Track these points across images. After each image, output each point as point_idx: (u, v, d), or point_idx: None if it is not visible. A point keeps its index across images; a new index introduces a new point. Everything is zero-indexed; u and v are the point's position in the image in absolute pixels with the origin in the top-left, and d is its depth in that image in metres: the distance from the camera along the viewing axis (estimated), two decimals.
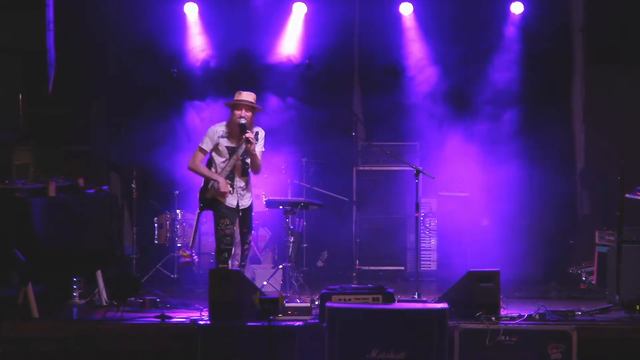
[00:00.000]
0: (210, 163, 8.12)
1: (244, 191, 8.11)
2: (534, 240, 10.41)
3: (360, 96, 11.43)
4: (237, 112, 7.99)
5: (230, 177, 8.05)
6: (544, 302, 7.82)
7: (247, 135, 7.91)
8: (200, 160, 8.07)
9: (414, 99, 10.81)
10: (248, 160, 8.07)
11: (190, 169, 8.10)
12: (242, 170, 8.07)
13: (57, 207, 7.99)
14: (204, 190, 8.12)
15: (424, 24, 10.95)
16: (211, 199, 8.08)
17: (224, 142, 8.03)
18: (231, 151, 8.04)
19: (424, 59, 10.90)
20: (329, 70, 11.11)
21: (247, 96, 8.05)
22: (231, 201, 8.04)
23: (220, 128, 8.07)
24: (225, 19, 10.85)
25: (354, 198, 10.72)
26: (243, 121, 7.94)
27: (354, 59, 11.42)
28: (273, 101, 10.54)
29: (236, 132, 8.01)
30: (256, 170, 8.16)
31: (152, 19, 10.66)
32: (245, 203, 8.12)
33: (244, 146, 8.01)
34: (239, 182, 8.07)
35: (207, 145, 8.04)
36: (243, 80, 10.59)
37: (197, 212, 8.26)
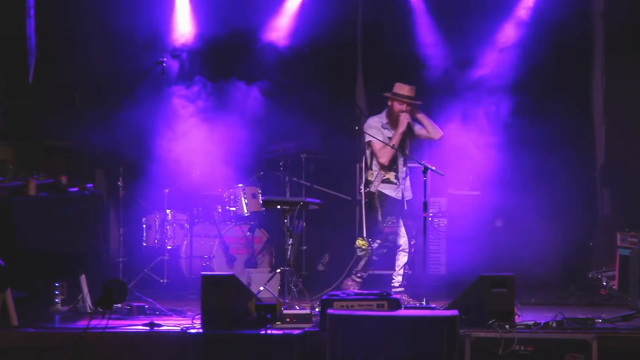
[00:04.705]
0: (371, 156, 8.81)
1: (407, 182, 8.83)
2: (550, 243, 10.40)
3: (364, 87, 11.42)
4: (399, 107, 8.81)
5: (394, 169, 8.74)
6: (562, 309, 7.82)
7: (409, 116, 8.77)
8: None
9: (421, 90, 10.78)
10: (407, 151, 8.87)
11: (388, 163, 8.76)
12: (403, 161, 8.81)
13: (37, 206, 7.98)
14: (367, 183, 8.75)
15: (432, 10, 10.94)
16: (374, 192, 8.75)
17: (386, 133, 8.80)
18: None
19: (433, 47, 10.88)
20: (329, 59, 11.09)
21: (410, 92, 8.87)
22: (397, 194, 8.72)
23: (380, 119, 8.89)
24: (218, 3, 10.84)
25: (357, 197, 10.70)
26: (407, 118, 8.80)
27: (357, 47, 11.41)
28: (268, 91, 10.52)
29: (396, 123, 8.79)
30: (435, 133, 9.08)
31: (138, 4, 10.65)
32: (408, 195, 8.87)
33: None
34: (402, 174, 8.77)
35: (378, 136, 8.76)
36: (238, 68, 10.59)
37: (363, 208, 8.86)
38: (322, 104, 10.76)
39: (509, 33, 10.80)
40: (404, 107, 8.86)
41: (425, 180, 8.60)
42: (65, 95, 10.83)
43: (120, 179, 9.98)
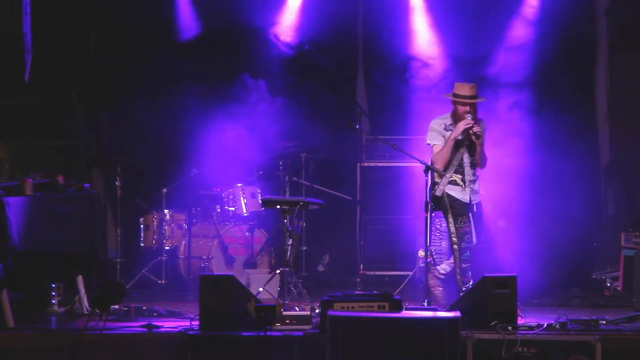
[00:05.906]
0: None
1: (475, 185, 8.57)
2: (554, 243, 10.38)
3: (365, 85, 11.42)
4: (463, 108, 8.46)
5: (459, 172, 8.49)
6: (565, 310, 7.80)
7: (475, 129, 8.39)
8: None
9: (423, 88, 10.78)
10: (477, 157, 8.56)
11: (444, 167, 8.50)
12: (470, 163, 8.53)
13: (34, 206, 7.97)
14: (433, 185, 8.51)
15: (433, 8, 10.93)
16: (441, 197, 8.50)
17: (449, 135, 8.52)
18: (458, 144, 8.47)
19: (434, 45, 10.88)
20: (330, 57, 11.08)
21: (471, 90, 8.48)
22: (464, 196, 8.49)
23: (444, 121, 8.60)
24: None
25: (358, 197, 10.70)
26: (470, 117, 8.39)
27: (358, 45, 11.40)
28: (268, 89, 10.51)
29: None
30: (482, 164, 8.60)
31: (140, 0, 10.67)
32: (476, 198, 8.60)
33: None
34: (469, 176, 8.51)
35: (438, 140, 8.52)
36: (237, 64, 10.59)
37: (426, 215, 8.44)
38: (323, 103, 10.75)
39: (512, 31, 10.80)
40: (467, 107, 8.50)
41: (427, 179, 8.58)
42: (62, 93, 10.82)
43: (118, 178, 9.98)
